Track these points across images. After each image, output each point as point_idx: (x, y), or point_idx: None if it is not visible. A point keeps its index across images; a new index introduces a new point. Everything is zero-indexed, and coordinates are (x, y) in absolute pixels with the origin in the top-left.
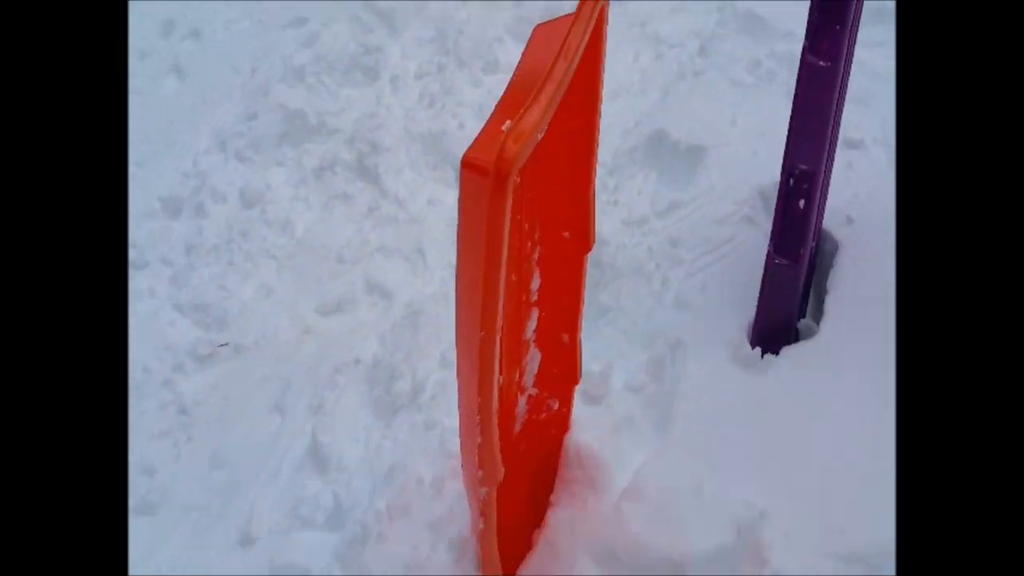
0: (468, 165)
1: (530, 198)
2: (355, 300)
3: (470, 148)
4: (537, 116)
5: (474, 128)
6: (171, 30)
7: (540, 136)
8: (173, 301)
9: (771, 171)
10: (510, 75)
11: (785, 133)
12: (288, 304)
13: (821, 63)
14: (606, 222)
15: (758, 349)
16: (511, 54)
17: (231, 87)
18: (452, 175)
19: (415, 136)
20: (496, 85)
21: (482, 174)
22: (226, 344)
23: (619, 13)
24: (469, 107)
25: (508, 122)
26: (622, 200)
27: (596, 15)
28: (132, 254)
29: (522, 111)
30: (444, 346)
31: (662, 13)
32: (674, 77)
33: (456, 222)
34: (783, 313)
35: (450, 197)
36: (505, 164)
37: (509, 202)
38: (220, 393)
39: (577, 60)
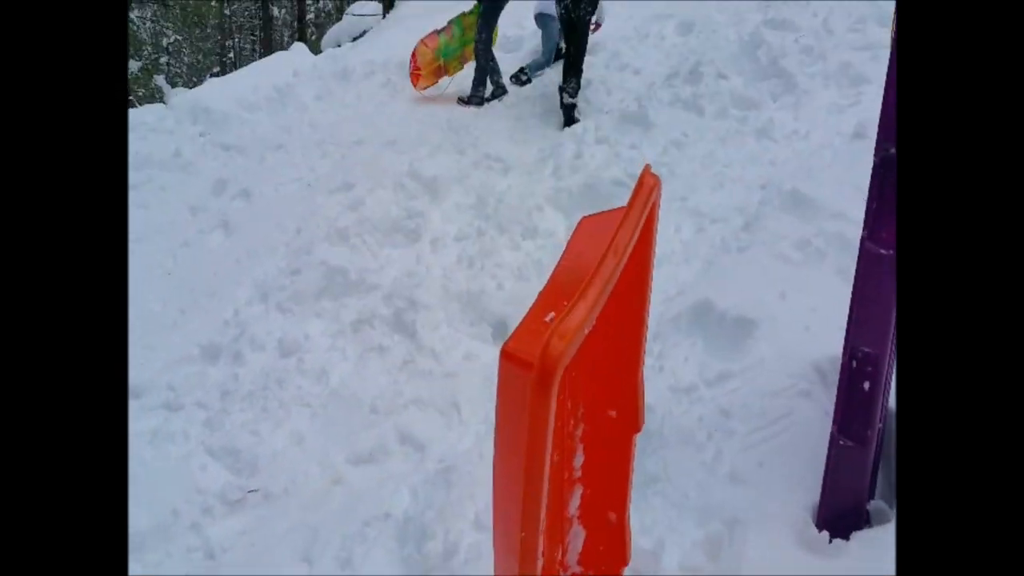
0: (509, 356)
1: (573, 377)
2: (387, 451)
3: (512, 339)
4: (583, 314)
5: (513, 289)
6: (223, 189)
7: (586, 332)
8: (205, 445)
9: (826, 347)
10: (548, 241)
11: (838, 310)
12: (319, 453)
13: (881, 251)
14: (651, 388)
15: (825, 532)
16: (550, 221)
17: (276, 244)
18: (489, 332)
19: (453, 294)
20: (535, 250)
21: (524, 368)
22: (256, 490)
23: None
24: (508, 268)
25: (551, 313)
26: (668, 367)
27: (647, 213)
28: (168, 396)
29: (568, 307)
30: (479, 506)
31: (703, 189)
32: (718, 250)
33: (493, 381)
34: (851, 495)
35: (487, 354)
36: (550, 362)
37: (554, 400)
38: (248, 539)
39: (627, 257)
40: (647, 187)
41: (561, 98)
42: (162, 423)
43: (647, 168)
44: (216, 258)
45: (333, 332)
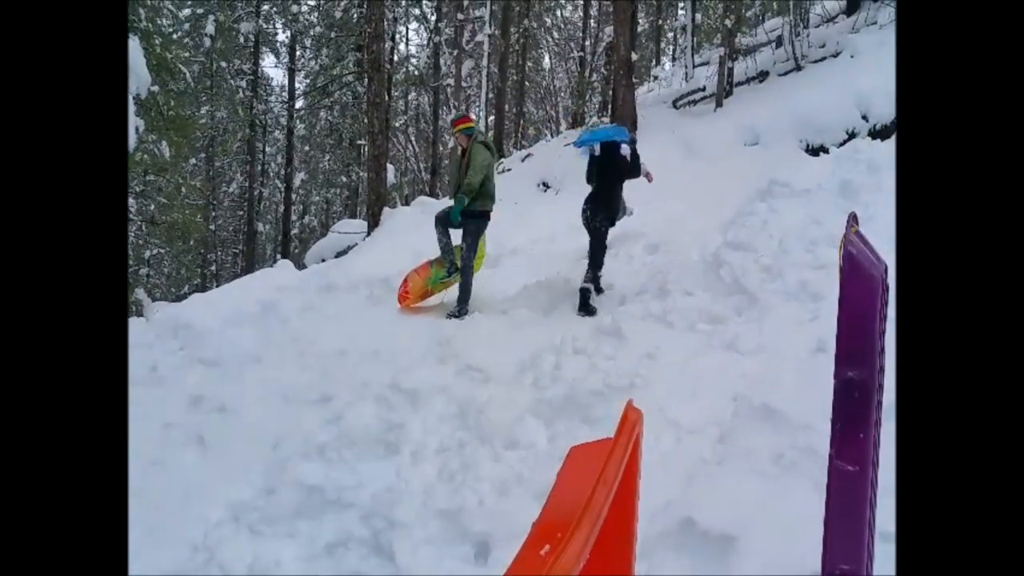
0: None
1: None
2: None
3: (508, 573)
4: (579, 548)
5: (493, 505)
6: (199, 405)
7: (581, 566)
8: None
9: (807, 562)
10: (529, 452)
11: (815, 524)
12: None
13: (849, 468)
14: None
15: None
16: (531, 432)
17: (251, 461)
18: (471, 552)
19: (433, 512)
20: (516, 462)
21: None
22: None
23: (637, 397)
24: (489, 482)
25: (547, 546)
26: None
27: (632, 444)
28: None
29: (563, 540)
30: None
31: (678, 401)
32: (696, 462)
33: None
34: None
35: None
36: None
37: None
38: None
39: (616, 486)
40: (631, 421)
41: (584, 303)
42: None
43: (630, 403)
44: (188, 476)
45: (307, 556)
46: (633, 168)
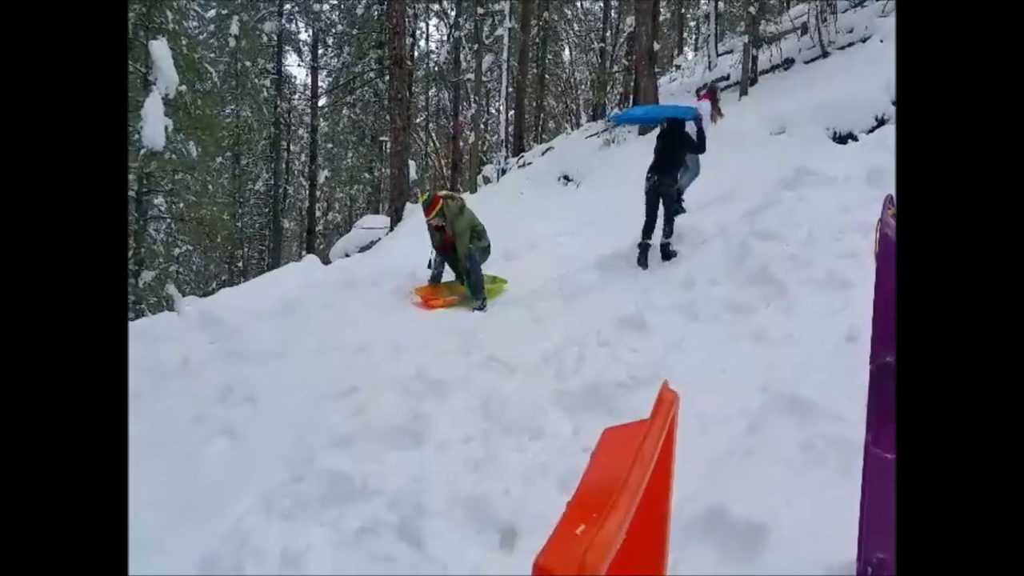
0: (543, 571)
1: None
2: None
3: (544, 553)
4: (616, 527)
5: (518, 494)
6: (228, 397)
7: (618, 545)
8: None
9: (838, 552)
10: (553, 443)
11: (846, 515)
12: None
13: (887, 455)
14: None
15: None
16: (555, 423)
17: (279, 450)
18: (496, 539)
19: (459, 500)
20: (540, 452)
21: None
22: None
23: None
24: (514, 472)
25: (582, 526)
26: None
27: (668, 425)
28: None
29: (600, 520)
30: None
31: (705, 392)
32: (723, 454)
33: None
34: None
35: (494, 562)
36: None
37: None
38: None
39: (652, 467)
40: (667, 402)
41: (642, 258)
42: None
43: (665, 384)
44: (218, 466)
45: (336, 542)
46: (700, 144)
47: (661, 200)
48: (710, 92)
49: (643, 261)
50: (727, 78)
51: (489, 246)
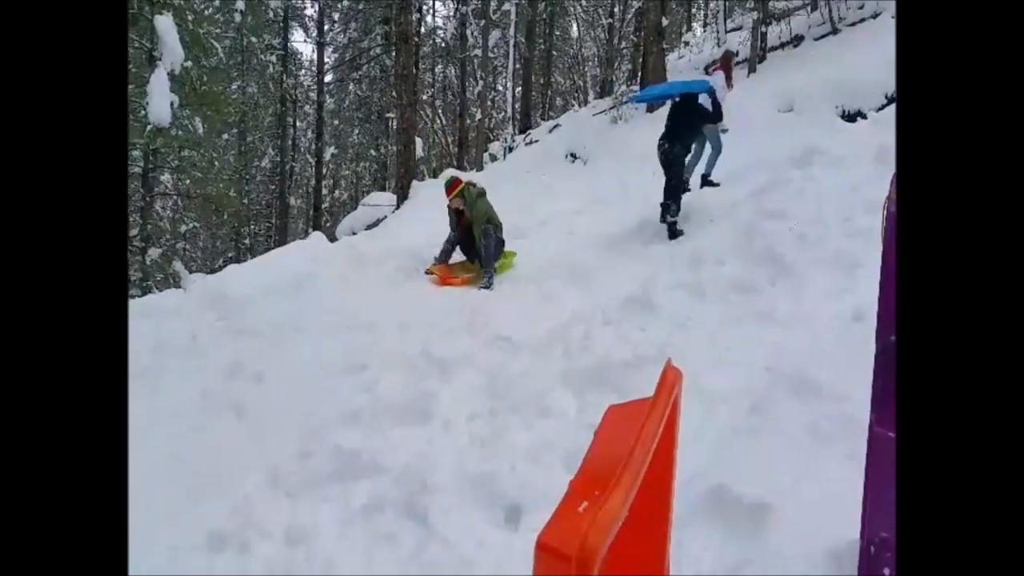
0: (545, 548)
1: (602, 570)
2: None
3: (547, 530)
4: (619, 505)
5: (524, 471)
6: (236, 373)
7: (621, 523)
8: None
9: (842, 532)
10: (560, 421)
11: (850, 494)
12: None
13: (891, 434)
14: None
15: None
16: (561, 402)
17: (288, 426)
18: (502, 516)
19: (465, 477)
20: (547, 430)
21: (561, 560)
22: None
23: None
24: (520, 450)
25: (585, 504)
26: (687, 555)
27: (671, 403)
28: None
29: (603, 497)
30: None
31: (710, 371)
32: (728, 432)
33: (506, 569)
34: None
35: (500, 539)
36: (589, 554)
37: None
38: None
39: (655, 445)
40: (670, 381)
41: (663, 217)
42: None
43: (669, 362)
44: (226, 442)
45: (342, 519)
46: (717, 113)
47: (669, 167)
48: (724, 59)
49: (665, 219)
50: (736, 54)
51: (504, 241)
